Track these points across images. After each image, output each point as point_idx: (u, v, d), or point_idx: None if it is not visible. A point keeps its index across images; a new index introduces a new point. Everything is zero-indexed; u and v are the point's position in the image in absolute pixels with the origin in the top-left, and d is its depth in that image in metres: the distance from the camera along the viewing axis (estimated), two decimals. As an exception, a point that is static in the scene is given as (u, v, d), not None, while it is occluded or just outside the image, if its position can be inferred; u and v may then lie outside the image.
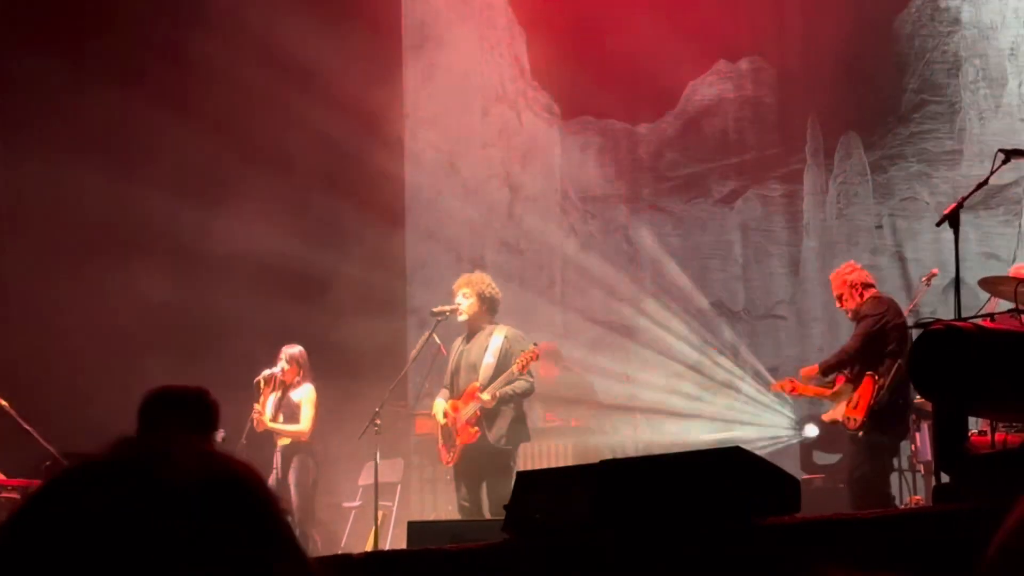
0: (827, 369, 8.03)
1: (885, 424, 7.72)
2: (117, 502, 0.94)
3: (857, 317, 8.04)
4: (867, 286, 8.09)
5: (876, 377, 7.72)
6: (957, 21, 11.49)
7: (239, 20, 11.42)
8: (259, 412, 9.16)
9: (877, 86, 11.70)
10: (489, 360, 8.22)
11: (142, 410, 4.28)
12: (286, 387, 9.29)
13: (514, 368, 8.07)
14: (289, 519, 1.03)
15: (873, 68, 11.69)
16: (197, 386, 4.68)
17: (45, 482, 0.99)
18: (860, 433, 7.70)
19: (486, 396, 8.02)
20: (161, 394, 4.33)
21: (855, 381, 7.84)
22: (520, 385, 8.13)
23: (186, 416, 4.21)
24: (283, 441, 9.26)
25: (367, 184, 12.55)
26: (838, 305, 8.32)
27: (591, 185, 12.78)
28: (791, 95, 12.06)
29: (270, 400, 9.27)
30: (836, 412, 7.97)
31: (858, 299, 8.05)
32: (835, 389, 8.01)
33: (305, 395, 9.27)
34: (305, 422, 9.21)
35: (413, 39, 13.47)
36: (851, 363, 7.87)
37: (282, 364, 9.25)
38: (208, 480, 0.98)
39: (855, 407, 7.77)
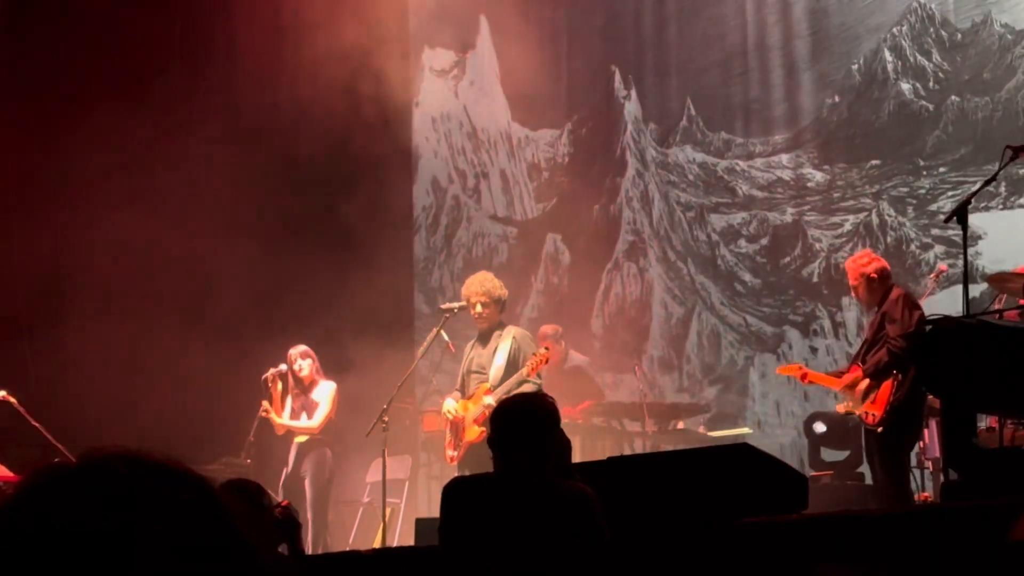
0: (874, 373, 7.70)
1: (904, 420, 7.65)
2: (79, 513, 0.99)
3: (877, 308, 7.86)
4: (884, 277, 7.92)
5: (896, 373, 7.62)
6: None
7: None
8: (267, 411, 9.18)
9: None
10: (499, 362, 8.25)
11: (494, 415, 4.70)
12: (304, 386, 9.32)
13: (524, 371, 8.07)
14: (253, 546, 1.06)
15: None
16: (539, 393, 5.53)
17: (14, 492, 1.04)
18: (880, 429, 7.63)
19: (492, 401, 7.98)
20: (510, 401, 4.83)
21: (874, 376, 7.69)
22: (527, 388, 8.11)
23: (527, 421, 4.53)
24: (300, 438, 9.28)
25: (376, 182, 12.56)
26: (853, 295, 8.19)
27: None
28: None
29: (288, 399, 9.31)
30: (852, 404, 7.86)
31: (876, 291, 7.86)
32: (847, 381, 7.88)
33: (326, 393, 9.31)
34: (318, 418, 9.23)
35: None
36: (899, 364, 7.59)
37: (299, 363, 9.28)
38: (160, 495, 1.02)
39: (873, 402, 7.68)
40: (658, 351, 11.99)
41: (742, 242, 11.88)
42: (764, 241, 11.75)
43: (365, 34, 11.72)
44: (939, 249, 10.69)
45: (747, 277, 11.87)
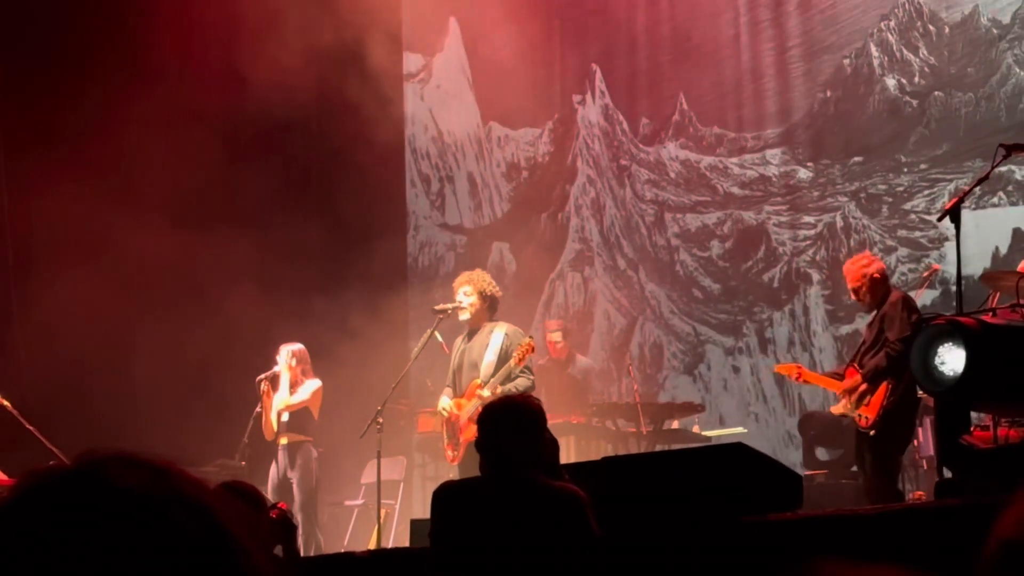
0: (875, 376, 7.70)
1: (897, 423, 7.66)
2: (72, 517, 1.00)
3: (878, 310, 7.85)
4: (886, 277, 7.93)
5: (891, 377, 7.63)
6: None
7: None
8: (263, 414, 9.18)
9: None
10: (490, 358, 8.23)
11: (480, 419, 4.67)
12: (290, 384, 9.31)
13: (511, 363, 8.07)
14: (246, 549, 1.06)
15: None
16: (525, 394, 5.69)
17: (8, 496, 1.04)
18: (872, 432, 7.63)
19: (486, 393, 8.01)
20: (497, 404, 4.80)
21: (873, 380, 7.68)
22: (521, 383, 8.12)
23: (514, 423, 4.52)
24: (283, 440, 9.27)
25: (369, 179, 12.55)
26: (853, 297, 8.18)
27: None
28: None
29: (274, 399, 9.29)
30: (846, 406, 7.85)
31: (879, 291, 7.86)
32: (847, 385, 7.86)
33: (311, 388, 9.29)
34: (297, 399, 9.20)
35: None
36: (897, 368, 7.53)
37: (285, 362, 9.26)
38: (153, 497, 1.02)
39: (867, 406, 7.68)
40: (598, 362, 11.87)
41: (714, 243, 11.80)
42: (728, 244, 11.67)
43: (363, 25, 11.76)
44: (902, 252, 10.64)
45: (706, 282, 11.76)
